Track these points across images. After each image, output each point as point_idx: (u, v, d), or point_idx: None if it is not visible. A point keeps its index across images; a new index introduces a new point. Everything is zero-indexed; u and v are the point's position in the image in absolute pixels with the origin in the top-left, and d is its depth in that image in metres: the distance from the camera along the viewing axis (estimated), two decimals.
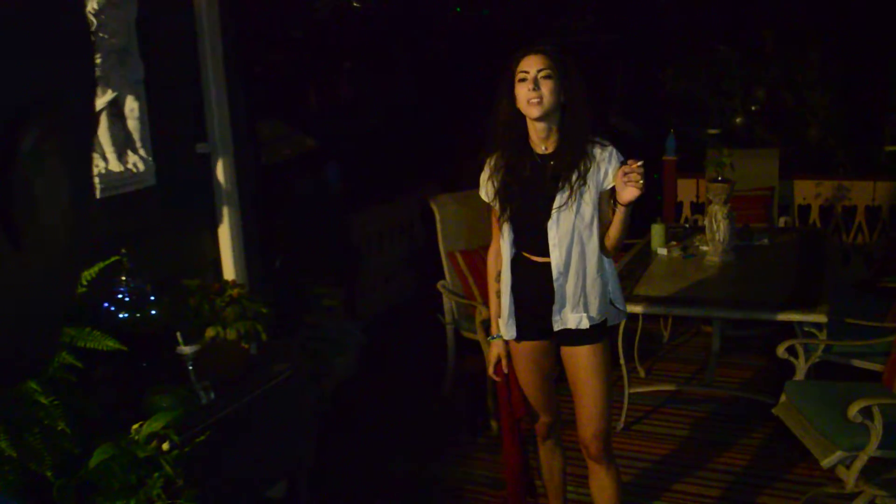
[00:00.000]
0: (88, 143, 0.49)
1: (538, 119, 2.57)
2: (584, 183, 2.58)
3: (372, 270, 5.89)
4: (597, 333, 2.71)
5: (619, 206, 2.53)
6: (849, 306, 4.03)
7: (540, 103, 2.53)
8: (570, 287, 2.64)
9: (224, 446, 2.72)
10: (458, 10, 7.40)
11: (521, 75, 2.54)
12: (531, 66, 2.53)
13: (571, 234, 2.60)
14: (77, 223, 0.45)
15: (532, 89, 2.51)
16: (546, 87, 2.52)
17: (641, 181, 2.44)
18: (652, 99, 7.34)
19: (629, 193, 2.47)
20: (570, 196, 2.57)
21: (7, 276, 0.42)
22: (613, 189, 2.61)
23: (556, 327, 2.69)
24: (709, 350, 4.76)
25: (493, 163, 2.73)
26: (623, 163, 2.57)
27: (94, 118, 0.49)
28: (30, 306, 0.44)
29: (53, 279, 0.45)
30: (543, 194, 2.62)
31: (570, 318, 2.66)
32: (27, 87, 0.41)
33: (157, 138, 3.03)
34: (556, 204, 2.59)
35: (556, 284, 2.64)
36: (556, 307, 2.67)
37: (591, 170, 2.59)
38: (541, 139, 2.63)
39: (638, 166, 2.44)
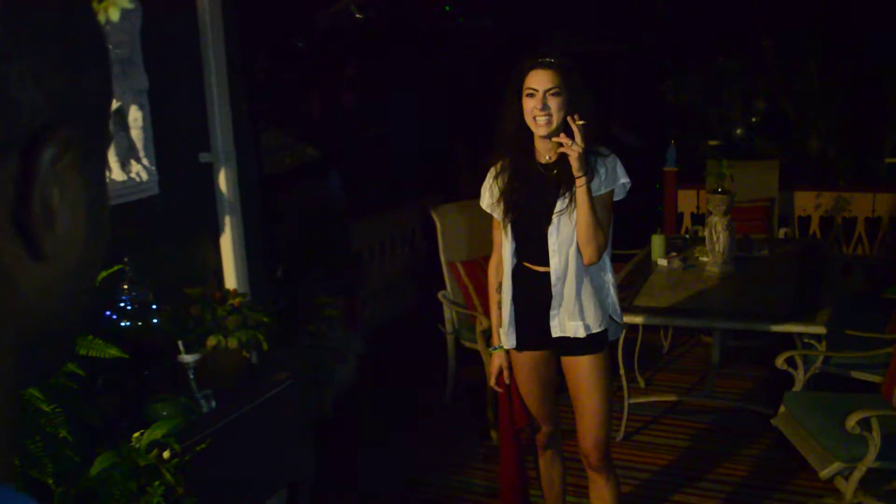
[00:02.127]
0: (104, 155, 0.51)
1: (545, 136, 2.59)
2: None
3: (373, 280, 5.90)
4: (597, 344, 2.72)
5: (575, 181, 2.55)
6: (848, 318, 4.03)
7: (548, 123, 2.54)
8: (568, 293, 2.65)
9: (225, 455, 2.73)
10: (461, 20, 7.42)
11: (528, 91, 2.55)
12: (540, 83, 2.53)
13: (570, 240, 2.61)
14: (93, 234, 0.47)
15: (541, 109, 2.52)
16: (554, 105, 2.53)
17: (569, 142, 2.47)
18: (652, 110, 7.36)
19: (568, 154, 2.50)
20: (570, 202, 2.59)
21: (27, 286, 0.44)
22: (608, 194, 2.63)
23: (554, 333, 2.70)
24: (708, 361, 4.77)
25: (495, 171, 2.75)
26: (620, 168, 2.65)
27: (108, 130, 0.51)
28: (48, 316, 0.46)
29: (71, 289, 0.47)
30: (545, 201, 2.64)
31: (568, 325, 2.67)
32: (46, 101, 0.43)
33: (161, 148, 3.05)
34: (556, 209, 2.61)
35: (554, 290, 2.66)
36: (553, 312, 2.68)
37: (593, 177, 2.61)
38: (545, 149, 2.64)
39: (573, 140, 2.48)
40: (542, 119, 2.53)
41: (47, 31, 0.43)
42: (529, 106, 2.55)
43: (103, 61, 0.48)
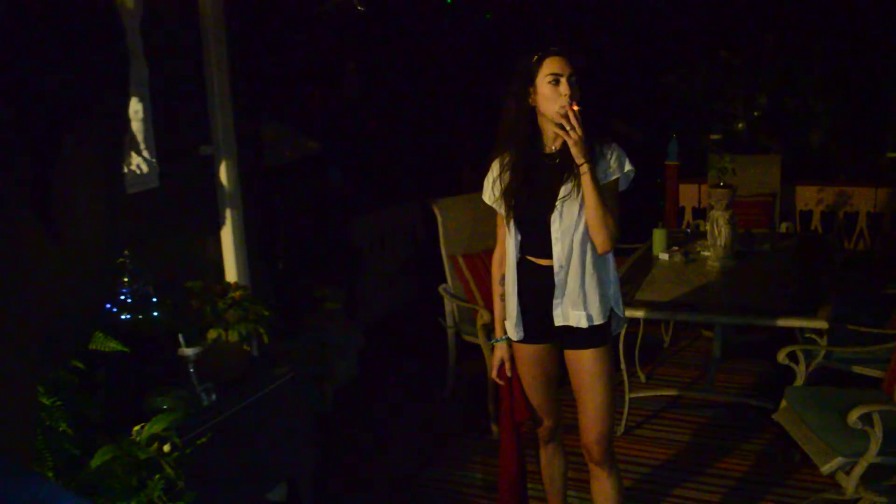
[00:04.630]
0: (120, 143, 0.51)
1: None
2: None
3: (374, 273, 5.89)
4: (600, 337, 2.72)
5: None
6: (850, 312, 4.03)
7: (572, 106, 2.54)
8: (571, 282, 2.65)
9: (225, 448, 2.72)
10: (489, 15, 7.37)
11: (551, 77, 2.54)
12: (562, 68, 2.54)
13: (574, 228, 2.61)
14: (110, 217, 0.48)
15: (569, 94, 2.52)
16: (575, 91, 2.55)
17: (568, 128, 2.48)
18: (654, 104, 7.35)
19: (567, 141, 2.50)
20: (574, 189, 2.59)
21: (49, 267, 0.44)
22: (614, 183, 2.64)
23: (557, 322, 2.69)
24: (709, 355, 4.76)
25: (499, 164, 2.75)
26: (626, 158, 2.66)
27: (125, 119, 0.51)
28: (69, 296, 0.47)
29: (90, 269, 0.48)
30: (549, 190, 2.63)
31: (572, 314, 2.67)
32: (66, 91, 0.43)
33: (161, 140, 3.04)
34: (560, 194, 2.60)
35: (556, 279, 2.65)
36: (556, 301, 2.67)
37: (596, 166, 2.60)
38: (550, 139, 2.64)
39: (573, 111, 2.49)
40: (567, 102, 2.52)
41: (67, 24, 0.43)
42: (555, 92, 2.54)
43: (121, 54, 0.49)
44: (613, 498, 2.85)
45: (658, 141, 6.36)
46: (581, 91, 2.57)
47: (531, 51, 2.60)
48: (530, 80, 2.58)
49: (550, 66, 2.55)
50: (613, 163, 2.63)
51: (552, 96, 2.55)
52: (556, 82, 2.54)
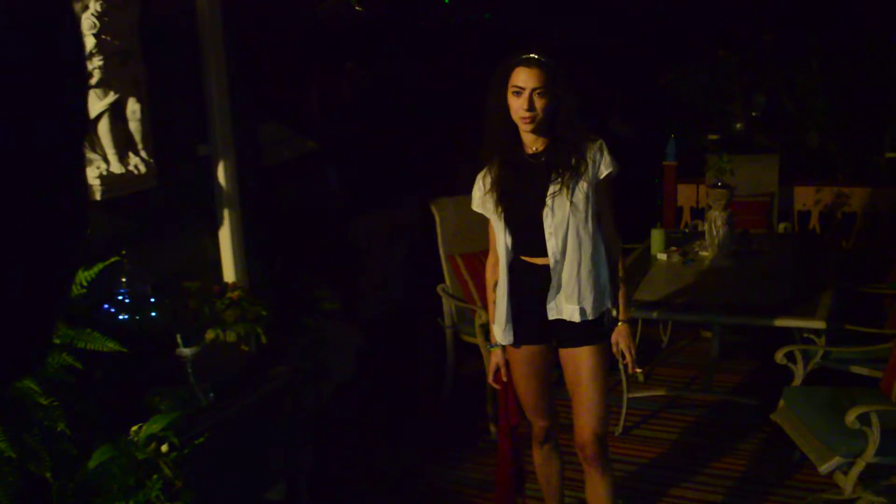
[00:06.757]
0: (80, 145, 0.50)
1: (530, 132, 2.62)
2: (576, 174, 2.61)
3: (372, 273, 5.89)
4: (595, 336, 2.73)
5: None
6: (848, 312, 4.03)
7: (533, 121, 2.57)
8: (566, 276, 2.65)
9: (223, 448, 2.72)
10: (473, 17, 7.36)
11: (514, 89, 2.57)
12: (526, 82, 2.55)
13: (567, 222, 2.62)
14: (70, 224, 0.46)
15: (527, 109, 2.55)
16: (539, 104, 2.56)
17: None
18: (652, 104, 7.34)
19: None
20: (562, 184, 2.61)
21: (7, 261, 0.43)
22: (606, 180, 2.65)
23: (551, 315, 2.70)
24: (707, 355, 4.76)
25: (484, 173, 2.77)
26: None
27: (85, 119, 0.50)
28: (18, 305, 0.45)
29: (42, 279, 0.46)
30: (537, 187, 2.65)
31: (566, 307, 2.68)
32: (17, 88, 0.41)
33: (159, 140, 3.04)
34: (549, 191, 2.62)
35: (552, 272, 2.66)
36: (550, 293, 2.68)
37: (583, 163, 2.62)
38: (531, 141, 2.67)
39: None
40: (527, 117, 2.56)
41: (14, 20, 0.41)
42: (516, 104, 2.57)
43: (72, 49, 0.47)
44: (609, 498, 2.85)
45: (656, 141, 6.35)
46: (557, 101, 2.58)
47: (512, 55, 2.62)
48: (504, 84, 2.60)
49: (516, 77, 2.57)
50: (606, 157, 2.65)
51: (513, 107, 2.58)
52: (518, 94, 2.56)
